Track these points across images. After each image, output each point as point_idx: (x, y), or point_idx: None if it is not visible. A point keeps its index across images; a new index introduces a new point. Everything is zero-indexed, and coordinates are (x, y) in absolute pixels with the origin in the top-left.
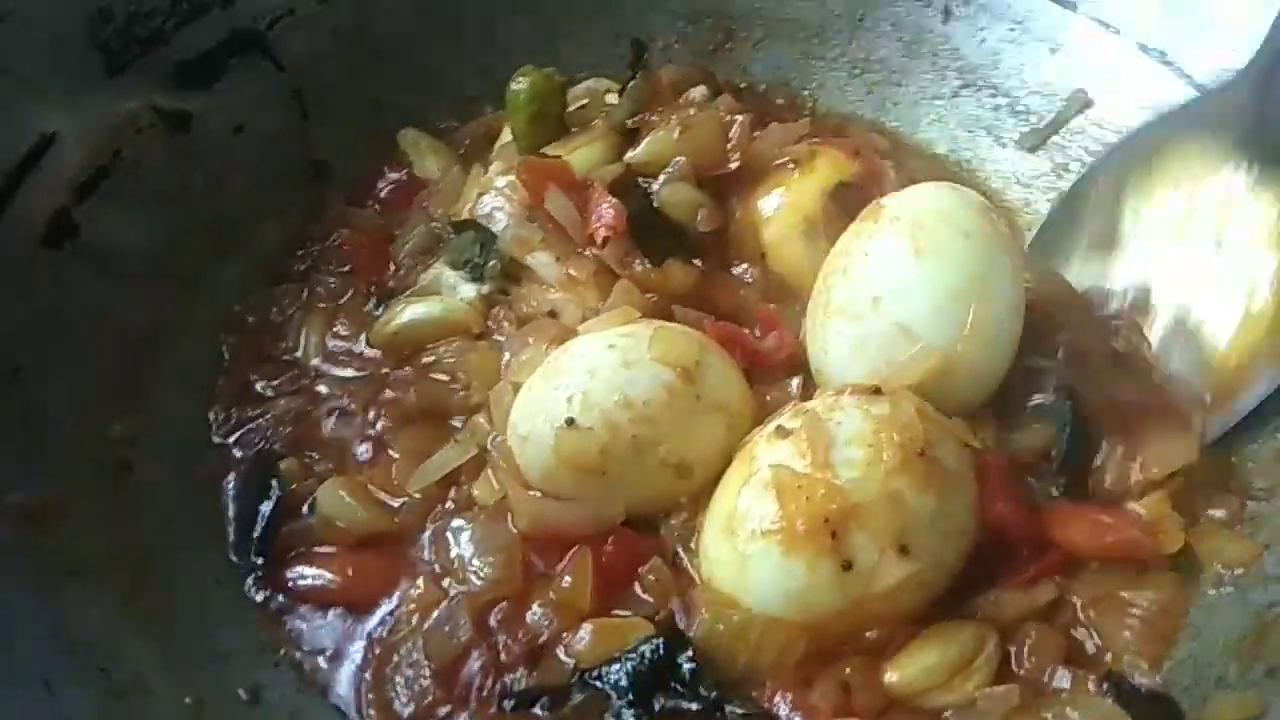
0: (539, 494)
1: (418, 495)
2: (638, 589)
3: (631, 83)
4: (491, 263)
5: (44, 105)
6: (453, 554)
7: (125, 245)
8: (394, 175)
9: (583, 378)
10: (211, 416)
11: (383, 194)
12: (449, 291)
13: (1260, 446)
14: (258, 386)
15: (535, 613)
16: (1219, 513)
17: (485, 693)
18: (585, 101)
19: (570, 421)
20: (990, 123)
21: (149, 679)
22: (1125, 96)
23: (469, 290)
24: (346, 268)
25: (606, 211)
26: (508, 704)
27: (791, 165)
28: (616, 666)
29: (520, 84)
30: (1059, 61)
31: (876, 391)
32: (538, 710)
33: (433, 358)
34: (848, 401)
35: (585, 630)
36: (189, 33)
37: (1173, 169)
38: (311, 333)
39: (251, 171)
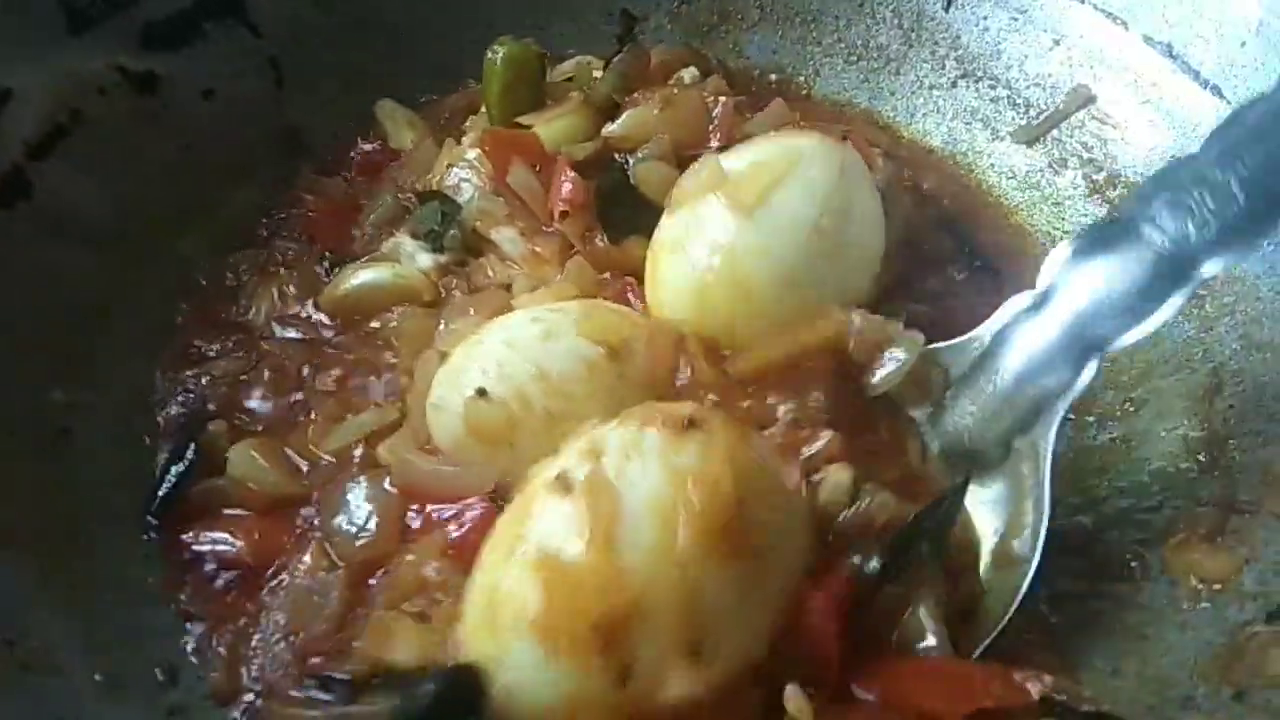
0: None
1: (331, 459)
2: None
3: (618, 56)
4: (452, 233)
5: (1, 60)
6: (337, 514)
7: (81, 207)
8: (367, 146)
9: (500, 348)
10: (156, 382)
11: (354, 164)
12: (406, 260)
13: (1246, 457)
14: (201, 350)
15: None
16: (1200, 528)
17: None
18: (571, 75)
19: (482, 391)
20: (988, 114)
21: (58, 654)
22: (1129, 91)
23: (426, 259)
24: (308, 235)
25: (566, 186)
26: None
27: None
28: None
29: (496, 52)
30: (1062, 53)
31: (690, 425)
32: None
33: (378, 324)
34: (650, 444)
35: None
36: None
37: None
38: (263, 298)
39: (220, 137)
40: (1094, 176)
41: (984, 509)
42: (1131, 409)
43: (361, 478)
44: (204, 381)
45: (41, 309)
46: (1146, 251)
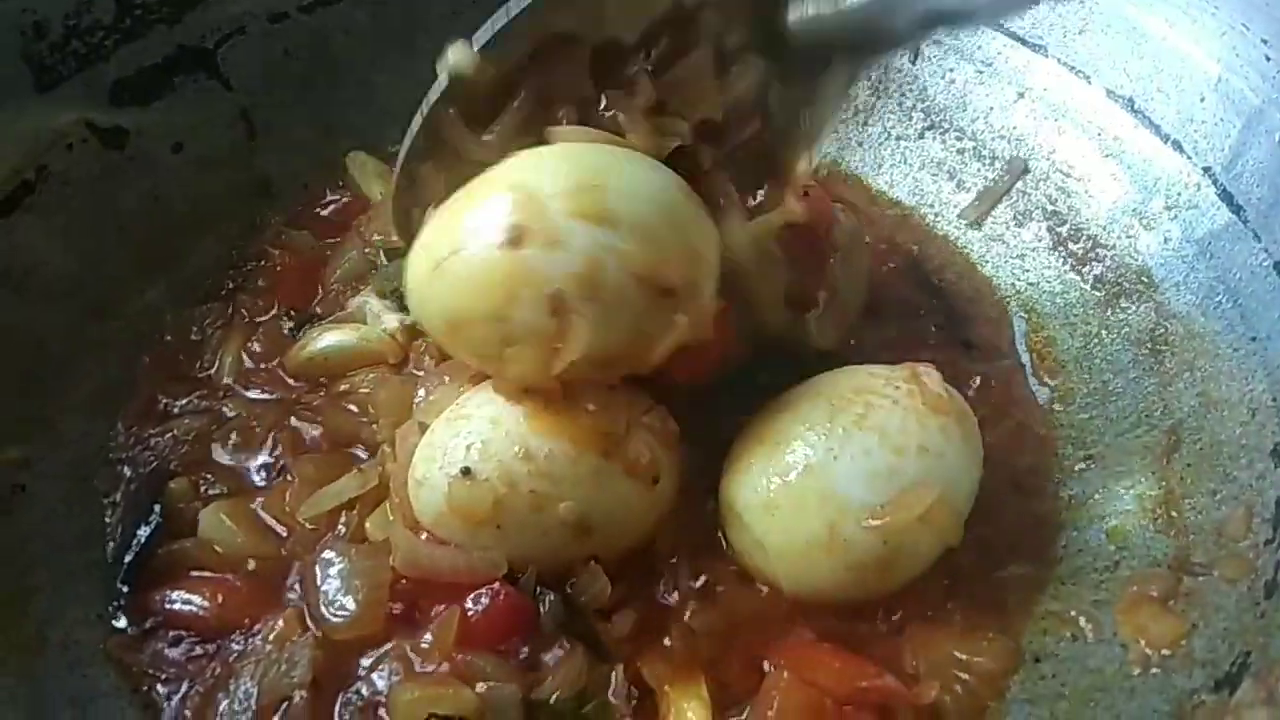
0: (429, 536)
1: (309, 526)
2: None
3: None
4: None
5: None
6: (320, 585)
7: (44, 263)
8: (336, 197)
9: (485, 426)
10: (113, 438)
11: (322, 216)
12: (372, 320)
13: (1202, 518)
14: (164, 406)
15: (384, 667)
16: (1152, 589)
17: None
18: None
19: (466, 471)
20: (954, 166)
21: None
22: (1092, 145)
23: (392, 320)
24: (273, 291)
25: None
26: None
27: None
28: None
29: None
30: (1026, 106)
31: None
32: None
33: (347, 386)
34: None
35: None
36: (132, 49)
37: None
38: (227, 353)
39: (188, 189)
40: (1057, 229)
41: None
42: (1089, 466)
43: (349, 552)
44: (166, 439)
45: (2, 367)
46: None
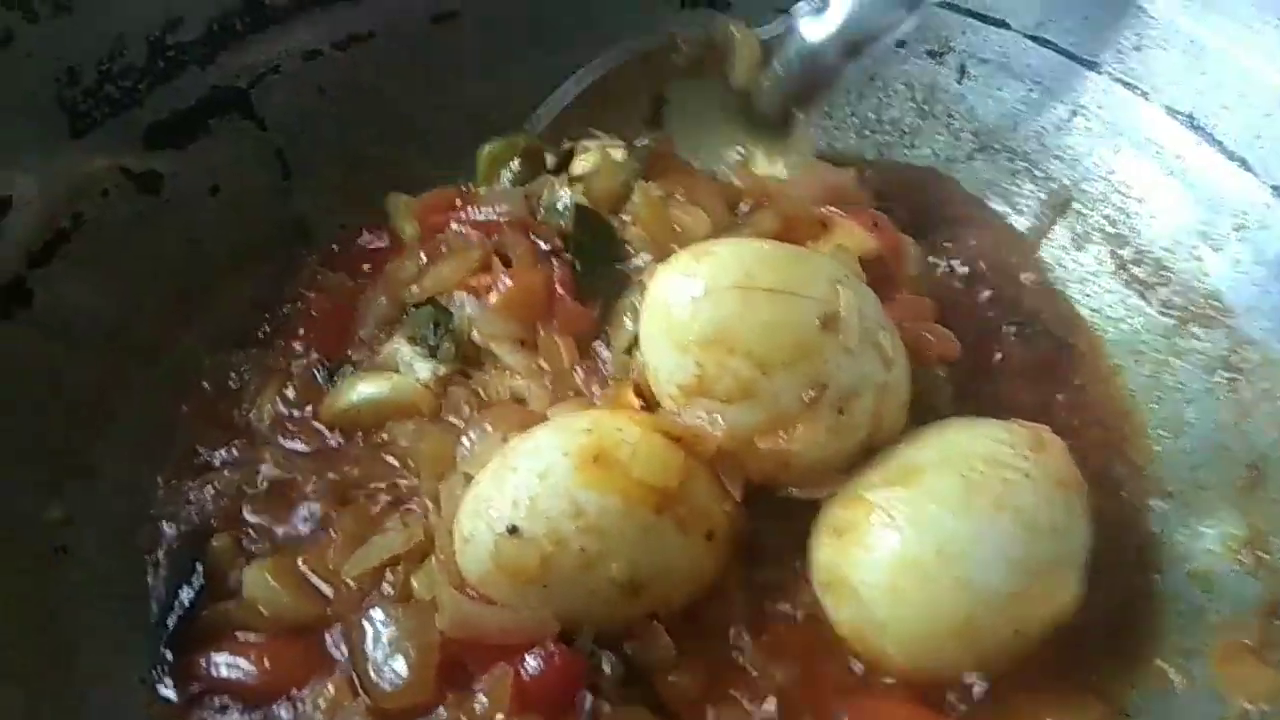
0: (474, 594)
1: (352, 584)
2: None
3: (642, 142)
4: (445, 345)
5: (1, 168)
6: (367, 648)
7: (83, 310)
8: (372, 238)
9: (532, 480)
10: (154, 492)
11: (358, 257)
12: (405, 369)
13: None
14: (202, 456)
15: None
16: (1246, 637)
17: None
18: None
19: (513, 529)
20: (1007, 188)
21: None
22: (1152, 164)
23: (425, 369)
24: (308, 338)
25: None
26: None
27: None
28: None
29: (481, 150)
30: (1081, 124)
31: None
32: None
33: (385, 437)
34: None
35: None
36: (165, 92)
37: None
38: (264, 401)
39: (226, 233)
40: (1119, 252)
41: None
42: (1166, 504)
43: (395, 612)
44: (206, 492)
45: (41, 417)
46: None
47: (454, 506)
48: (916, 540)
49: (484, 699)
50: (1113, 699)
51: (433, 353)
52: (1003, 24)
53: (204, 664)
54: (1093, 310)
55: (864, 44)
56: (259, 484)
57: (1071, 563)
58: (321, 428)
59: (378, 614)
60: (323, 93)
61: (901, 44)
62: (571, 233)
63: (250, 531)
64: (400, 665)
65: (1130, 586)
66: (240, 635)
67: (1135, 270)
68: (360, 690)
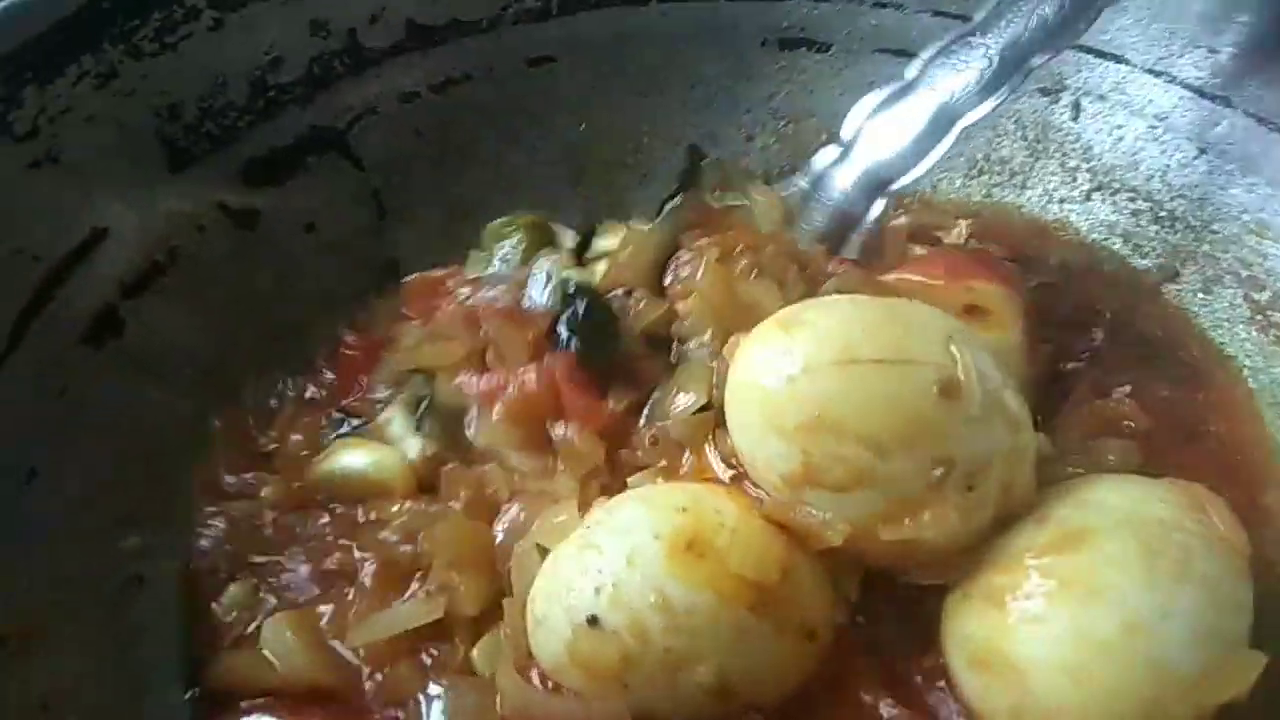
0: (537, 674)
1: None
2: None
3: (672, 203)
4: (429, 423)
5: (100, 200)
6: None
7: (173, 345)
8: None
9: (619, 563)
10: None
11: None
12: (394, 440)
13: None
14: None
15: None
16: None
17: None
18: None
19: (593, 620)
20: (1128, 229)
21: None
22: None
23: (414, 446)
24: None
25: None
26: None
27: None
28: None
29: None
30: (1209, 162)
31: None
32: None
33: (374, 514)
34: None
35: None
36: (265, 130)
37: None
38: (291, 434)
39: (321, 271)
40: (1255, 297)
41: None
42: None
43: (458, 689)
44: (219, 525)
45: (125, 447)
46: (919, 103)
47: (527, 581)
48: (1099, 613)
49: None
50: None
51: (420, 426)
52: (1120, 59)
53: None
54: (1228, 357)
55: (891, 183)
56: (268, 524)
57: (1247, 635)
58: None
59: (434, 689)
60: (419, 134)
61: None
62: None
63: (271, 580)
64: None
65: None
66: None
67: (1274, 315)
68: None
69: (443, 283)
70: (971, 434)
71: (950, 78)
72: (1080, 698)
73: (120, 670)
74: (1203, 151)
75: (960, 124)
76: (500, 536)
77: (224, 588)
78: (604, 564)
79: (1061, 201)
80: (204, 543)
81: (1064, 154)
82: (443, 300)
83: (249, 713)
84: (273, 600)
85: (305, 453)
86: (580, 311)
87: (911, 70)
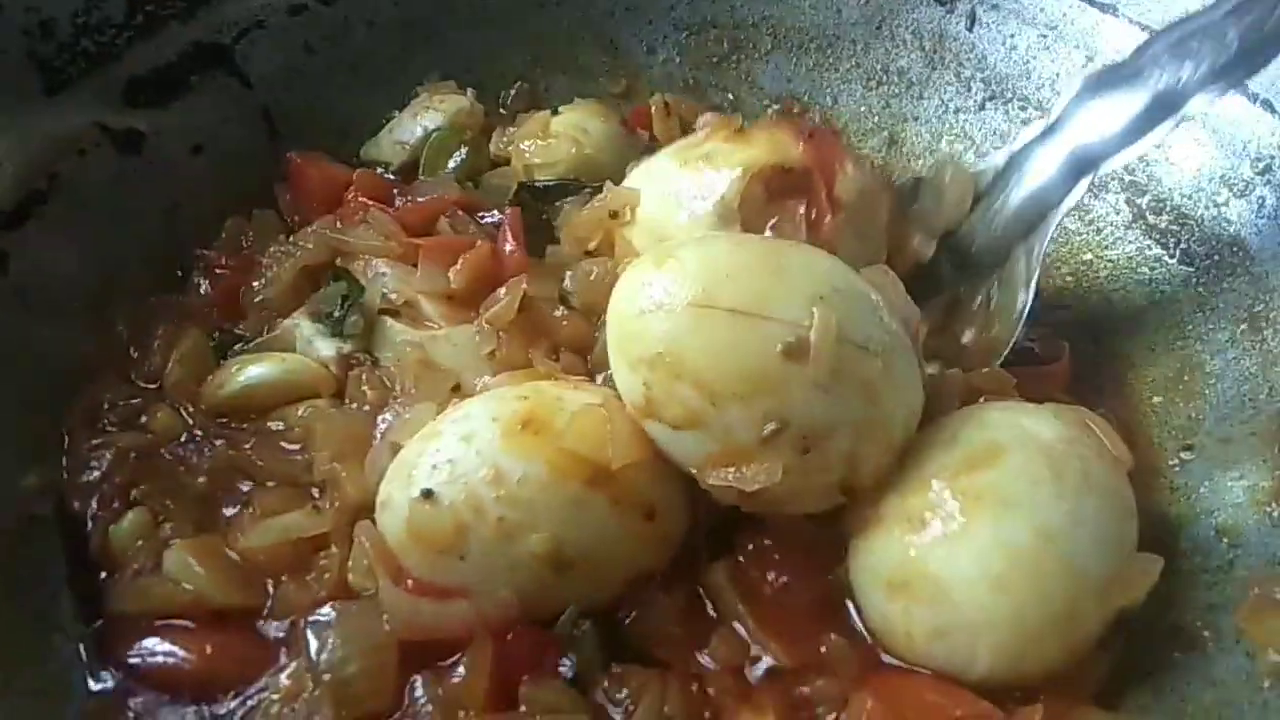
0: (413, 579)
1: (261, 558)
2: None
3: None
4: (353, 319)
5: None
6: (317, 652)
7: (60, 277)
8: None
9: (455, 444)
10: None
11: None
12: (303, 347)
13: None
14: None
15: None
16: (1275, 590)
17: None
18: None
19: (428, 493)
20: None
21: None
22: None
23: (328, 348)
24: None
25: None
26: None
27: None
28: None
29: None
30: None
31: None
32: None
33: (279, 424)
34: None
35: None
36: (145, 47)
37: None
38: (171, 359)
39: (210, 193)
40: (1137, 201)
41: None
42: (1190, 457)
43: (340, 614)
44: (107, 458)
45: (17, 385)
46: (1144, 90)
47: (378, 477)
48: (1016, 524)
49: (461, 671)
50: (1141, 658)
51: (337, 328)
52: None
53: (134, 650)
54: (1110, 261)
55: (1098, 165)
56: (162, 455)
57: (1136, 542)
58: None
59: (323, 613)
60: (309, 49)
61: None
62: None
63: (168, 504)
64: (354, 673)
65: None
66: (172, 622)
67: (1154, 220)
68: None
69: (385, 189)
70: (812, 399)
71: (1178, 64)
72: (1003, 607)
73: (22, 610)
74: (1090, 59)
75: (1184, 109)
76: (378, 434)
77: (118, 519)
78: (441, 445)
79: (957, 111)
80: (93, 475)
81: (959, 64)
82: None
83: (151, 636)
84: (171, 528)
85: (194, 376)
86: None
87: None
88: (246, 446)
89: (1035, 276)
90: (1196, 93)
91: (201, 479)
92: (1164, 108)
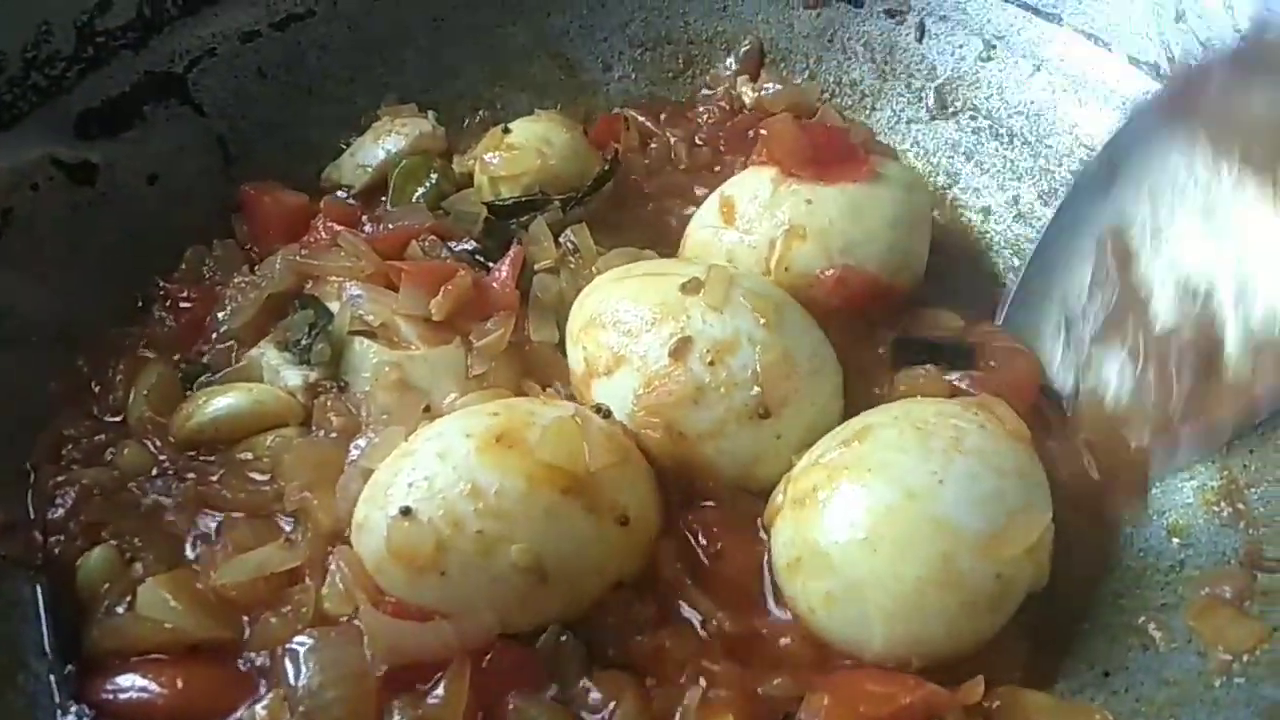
0: (392, 602)
1: (232, 593)
2: None
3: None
4: (319, 346)
5: None
6: (295, 680)
7: (18, 312)
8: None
9: (431, 461)
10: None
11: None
12: (270, 376)
13: (1271, 508)
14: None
15: None
16: (1224, 588)
17: None
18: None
19: (406, 511)
20: (970, 147)
21: None
22: (1116, 115)
23: (294, 377)
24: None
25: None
26: None
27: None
28: None
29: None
30: (1043, 79)
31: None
32: None
33: (248, 454)
34: None
35: None
36: (96, 78)
37: (1145, 185)
38: (134, 392)
39: (166, 223)
40: None
41: None
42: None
43: (327, 637)
44: (71, 494)
45: None
46: None
47: (351, 505)
48: (881, 487)
49: (439, 693)
50: (1094, 659)
51: (304, 356)
52: None
53: (107, 687)
54: None
55: None
56: (130, 490)
57: (1041, 507)
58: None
59: (301, 640)
60: (263, 75)
61: (859, 3)
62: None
63: (135, 540)
64: (333, 700)
65: (1104, 545)
66: (146, 657)
67: None
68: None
69: (353, 215)
70: (710, 318)
71: None
72: (879, 563)
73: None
74: (1037, 69)
75: None
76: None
77: (85, 556)
78: (417, 463)
79: (909, 122)
80: (58, 513)
81: (910, 75)
82: (313, 223)
83: (126, 674)
84: (141, 564)
85: (160, 409)
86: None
87: None
88: (214, 479)
89: None
90: None
91: (170, 515)
92: None
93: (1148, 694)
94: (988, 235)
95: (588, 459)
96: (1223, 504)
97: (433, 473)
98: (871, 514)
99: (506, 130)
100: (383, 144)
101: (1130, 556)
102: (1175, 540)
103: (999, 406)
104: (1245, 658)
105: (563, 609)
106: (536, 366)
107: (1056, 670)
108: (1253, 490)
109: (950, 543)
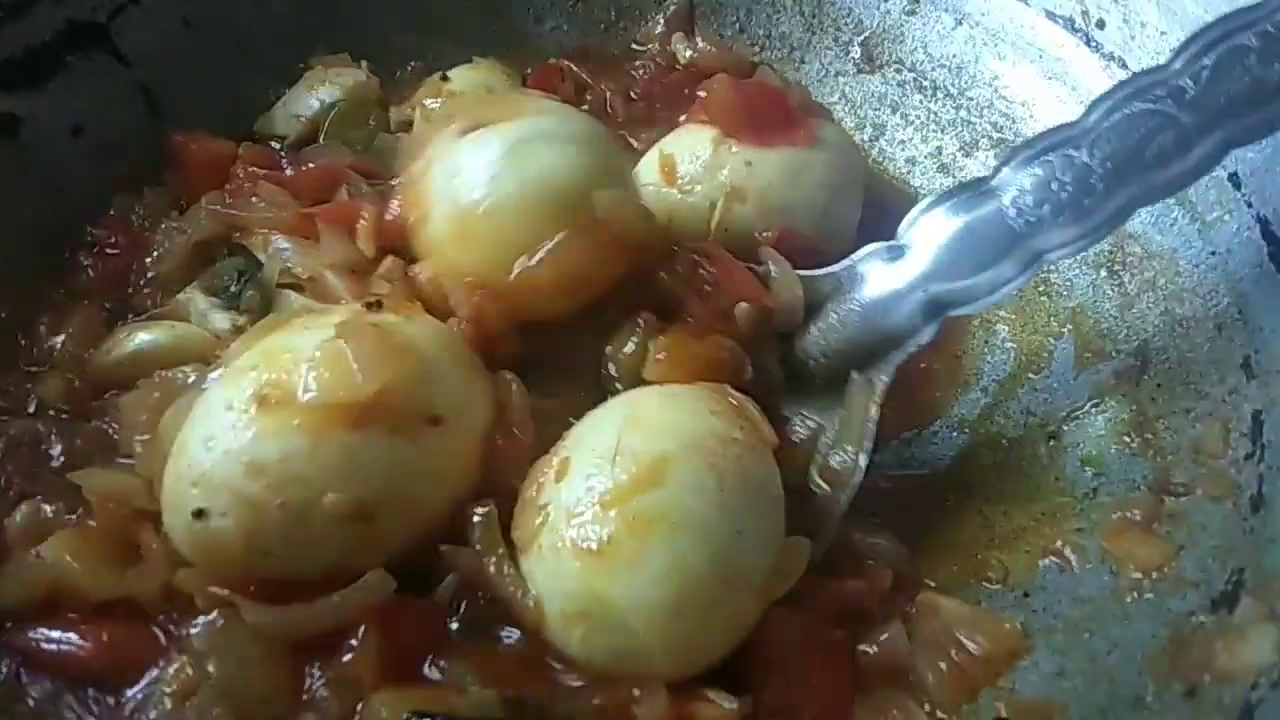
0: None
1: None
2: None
3: None
4: (250, 293)
5: None
6: (208, 665)
7: None
8: None
9: (200, 452)
10: None
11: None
12: (197, 319)
13: (1178, 438)
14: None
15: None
16: (1134, 513)
17: None
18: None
19: (199, 513)
20: (896, 99)
21: None
22: (1035, 68)
23: (221, 320)
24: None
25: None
26: None
27: None
28: None
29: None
30: (965, 33)
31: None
32: None
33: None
34: None
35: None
36: (16, 28)
37: None
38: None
39: (91, 176)
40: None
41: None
42: (1058, 391)
43: (214, 640)
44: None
45: None
46: (1001, 225)
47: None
48: (688, 546)
49: (349, 655)
50: (1014, 582)
51: (233, 301)
52: None
53: (31, 636)
54: None
55: (953, 306)
56: (46, 443)
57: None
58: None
59: (199, 623)
60: (187, 25)
61: None
62: None
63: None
64: (244, 683)
65: (1026, 478)
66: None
67: None
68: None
69: (229, 154)
70: None
71: (1039, 200)
72: (680, 630)
73: None
74: (959, 22)
75: (1048, 258)
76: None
77: (12, 512)
78: (191, 458)
79: (837, 75)
80: None
81: (838, 29)
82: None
83: (41, 629)
84: (62, 517)
85: (84, 347)
86: None
87: (984, 171)
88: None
89: (876, 416)
90: (1054, 249)
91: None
92: (1020, 259)
93: (1064, 611)
94: (913, 186)
95: (361, 380)
96: (1133, 435)
97: (206, 465)
98: (680, 580)
99: (445, 78)
100: (316, 93)
101: (1048, 486)
102: (1089, 470)
103: (745, 403)
104: (1154, 575)
105: (414, 531)
106: None
107: (977, 595)
108: (1161, 421)
109: (745, 597)
